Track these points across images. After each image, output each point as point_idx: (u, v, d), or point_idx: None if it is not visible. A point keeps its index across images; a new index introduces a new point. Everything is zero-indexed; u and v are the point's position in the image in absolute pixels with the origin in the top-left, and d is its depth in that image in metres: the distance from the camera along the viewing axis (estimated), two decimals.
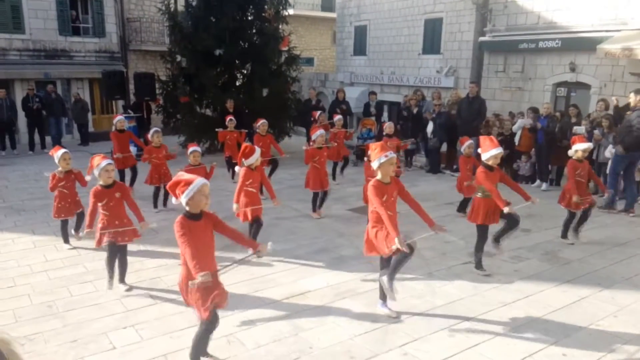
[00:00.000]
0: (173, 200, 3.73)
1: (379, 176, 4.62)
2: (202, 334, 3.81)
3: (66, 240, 6.60)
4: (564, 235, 6.98)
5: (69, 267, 5.97)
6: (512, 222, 5.73)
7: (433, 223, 4.69)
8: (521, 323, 4.69)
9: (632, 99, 8.68)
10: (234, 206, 6.18)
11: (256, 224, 6.26)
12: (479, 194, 5.75)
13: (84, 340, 4.34)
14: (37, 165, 12.15)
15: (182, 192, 3.59)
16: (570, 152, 6.77)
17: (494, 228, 5.93)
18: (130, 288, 5.33)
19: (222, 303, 3.69)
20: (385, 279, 4.62)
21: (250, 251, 3.88)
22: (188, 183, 3.61)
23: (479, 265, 5.89)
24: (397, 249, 4.36)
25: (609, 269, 6.03)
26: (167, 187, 3.78)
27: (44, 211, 8.11)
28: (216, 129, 10.73)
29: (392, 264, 4.59)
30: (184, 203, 3.62)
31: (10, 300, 5.08)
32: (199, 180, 3.62)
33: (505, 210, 5.45)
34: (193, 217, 3.63)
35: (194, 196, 3.58)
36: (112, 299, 5.12)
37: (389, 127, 8.73)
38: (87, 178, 5.41)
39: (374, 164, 4.60)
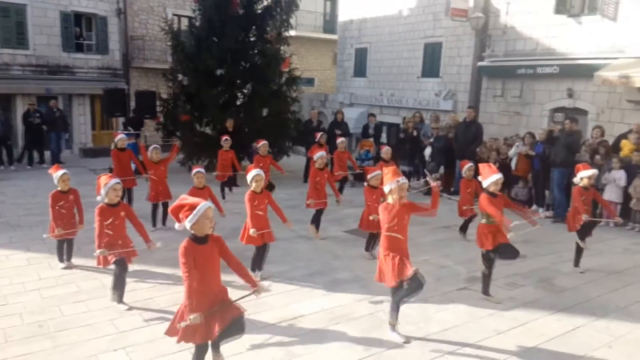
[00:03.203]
0: (176, 225, 3.73)
1: (389, 200, 4.63)
2: (195, 356, 3.85)
3: (61, 260, 6.55)
4: (577, 263, 6.94)
5: (62, 286, 5.94)
6: (510, 253, 5.70)
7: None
8: (515, 352, 4.66)
9: (567, 125, 9.65)
10: (251, 231, 6.05)
11: (263, 249, 6.25)
12: (484, 220, 5.74)
13: None
14: (36, 180, 12.15)
15: (186, 217, 3.59)
16: (575, 180, 6.78)
17: None
18: (130, 308, 5.34)
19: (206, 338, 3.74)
20: (389, 307, 4.72)
21: (250, 290, 3.91)
22: (192, 207, 3.61)
23: (486, 292, 5.87)
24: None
25: (604, 298, 6.01)
26: (170, 210, 3.79)
27: (39, 227, 8.06)
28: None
29: (402, 294, 4.64)
30: (188, 227, 3.62)
31: (1, 319, 5.04)
32: (203, 204, 3.62)
33: (509, 236, 5.46)
34: (199, 241, 3.62)
35: (198, 220, 3.59)
36: (104, 320, 5.08)
37: (386, 152, 8.78)
38: (98, 198, 5.45)
39: (385, 188, 4.61)
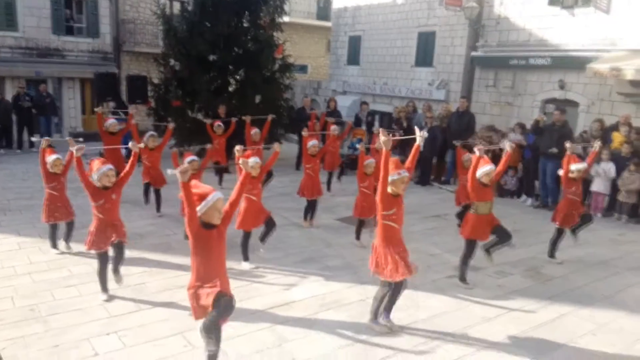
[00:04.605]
0: None
1: (389, 190, 4.65)
2: (211, 321, 3.64)
3: (54, 245, 6.50)
4: (552, 254, 7.01)
5: (54, 270, 5.94)
6: (504, 236, 5.89)
7: None
8: (502, 339, 4.75)
9: (557, 116, 9.80)
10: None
11: (268, 225, 6.31)
12: (472, 210, 5.84)
13: (66, 346, 4.33)
14: (25, 164, 12.07)
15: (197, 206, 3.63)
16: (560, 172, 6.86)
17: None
18: (109, 299, 5.25)
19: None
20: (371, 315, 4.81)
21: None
22: (202, 197, 3.63)
23: (462, 278, 5.98)
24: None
25: (590, 287, 6.12)
26: (180, 196, 3.79)
27: (29, 212, 8.06)
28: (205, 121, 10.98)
29: (387, 300, 4.76)
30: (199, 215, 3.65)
31: None
32: (213, 196, 3.63)
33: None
34: (205, 226, 3.65)
35: (207, 211, 3.62)
36: (96, 304, 5.10)
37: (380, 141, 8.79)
38: (93, 178, 5.32)
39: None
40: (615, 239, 8.25)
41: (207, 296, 3.57)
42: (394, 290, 4.72)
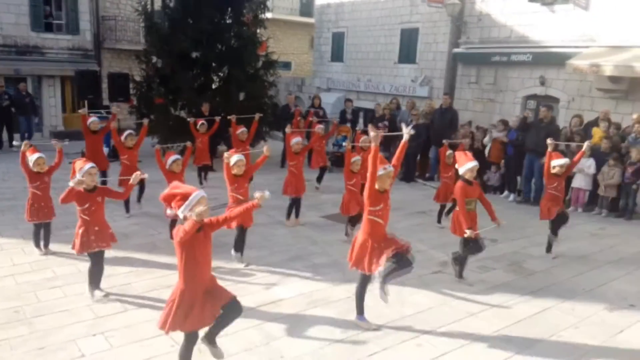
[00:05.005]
0: (168, 211, 3.73)
1: (376, 186, 4.68)
2: (184, 347, 3.84)
3: (37, 245, 6.43)
4: (549, 249, 7.12)
5: (37, 272, 5.86)
6: (474, 248, 5.92)
7: None
8: (486, 333, 4.83)
9: (543, 112, 9.91)
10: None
11: (240, 230, 6.28)
12: (458, 208, 5.90)
13: (52, 347, 4.29)
14: (6, 164, 11.85)
15: (179, 207, 3.60)
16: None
17: None
18: (107, 294, 5.27)
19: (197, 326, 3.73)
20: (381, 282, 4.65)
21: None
22: (184, 197, 3.60)
23: (460, 275, 6.08)
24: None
25: (572, 281, 6.25)
26: (161, 198, 3.75)
27: (11, 213, 7.92)
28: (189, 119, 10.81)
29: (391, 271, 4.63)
30: (181, 217, 3.62)
31: None
32: (195, 195, 3.60)
33: (467, 234, 5.60)
34: None
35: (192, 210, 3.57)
36: (82, 305, 5.06)
37: (364, 140, 8.85)
38: (70, 183, 5.26)
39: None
40: (596, 233, 8.41)
41: (185, 319, 3.64)
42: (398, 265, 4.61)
